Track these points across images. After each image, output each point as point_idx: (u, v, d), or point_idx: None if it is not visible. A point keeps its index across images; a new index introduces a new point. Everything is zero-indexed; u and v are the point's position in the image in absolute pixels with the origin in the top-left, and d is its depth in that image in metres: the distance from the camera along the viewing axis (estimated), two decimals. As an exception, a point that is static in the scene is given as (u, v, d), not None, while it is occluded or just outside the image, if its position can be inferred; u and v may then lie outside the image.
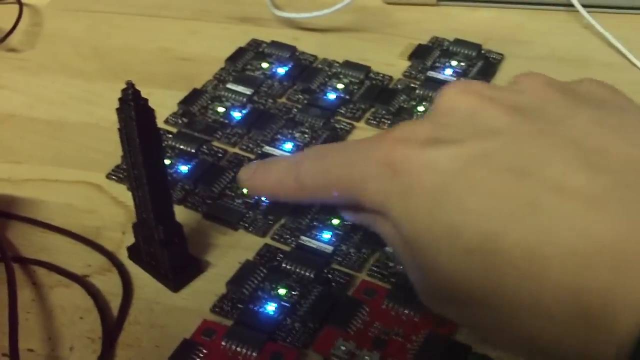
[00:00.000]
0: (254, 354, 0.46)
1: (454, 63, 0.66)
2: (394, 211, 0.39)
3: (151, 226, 0.48)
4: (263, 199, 0.54)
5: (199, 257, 0.51)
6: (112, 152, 0.55)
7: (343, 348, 0.46)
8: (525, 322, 0.35)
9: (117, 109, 0.45)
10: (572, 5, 0.70)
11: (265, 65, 0.66)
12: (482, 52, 0.67)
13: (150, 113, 0.45)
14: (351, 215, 0.47)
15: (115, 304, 0.49)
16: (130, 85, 0.44)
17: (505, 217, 0.34)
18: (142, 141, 0.45)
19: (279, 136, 0.59)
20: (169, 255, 0.49)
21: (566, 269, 0.33)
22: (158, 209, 0.48)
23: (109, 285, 0.51)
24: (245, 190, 0.55)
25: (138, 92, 0.44)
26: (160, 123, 0.59)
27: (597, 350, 0.33)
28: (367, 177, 0.41)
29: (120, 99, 0.44)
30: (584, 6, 0.70)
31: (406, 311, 0.48)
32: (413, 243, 0.38)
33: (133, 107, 0.44)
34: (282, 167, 0.48)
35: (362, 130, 0.61)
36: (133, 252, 0.52)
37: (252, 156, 0.58)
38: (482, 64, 0.66)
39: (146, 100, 0.44)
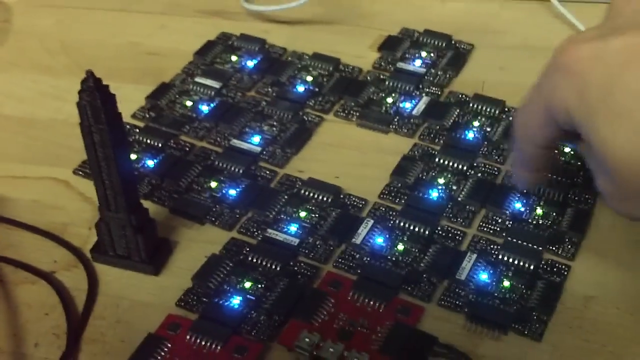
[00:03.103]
0: (219, 348, 0.46)
1: (423, 54, 0.66)
2: (576, 112, 0.40)
3: (123, 215, 0.48)
4: (229, 192, 0.54)
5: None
6: (80, 148, 0.54)
7: (307, 340, 0.46)
8: None
9: (78, 101, 0.44)
10: (542, -5, 0.70)
11: (234, 58, 0.66)
12: (452, 42, 0.67)
13: (112, 98, 0.45)
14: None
15: (80, 300, 0.49)
16: (89, 74, 0.44)
17: None
18: (110, 127, 0.45)
19: (246, 129, 0.59)
20: (144, 239, 0.49)
21: None
22: (129, 196, 0.48)
23: (75, 281, 0.50)
24: (213, 184, 0.55)
25: (99, 79, 0.44)
26: (127, 117, 0.59)
27: None
28: (553, 91, 0.41)
29: (81, 90, 0.44)
30: (555, -5, 0.70)
31: (371, 302, 0.48)
32: (593, 138, 0.39)
33: (97, 95, 0.44)
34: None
35: (331, 123, 0.60)
36: (98, 251, 0.51)
37: (219, 149, 0.58)
38: (452, 54, 0.66)
39: (107, 86, 0.44)
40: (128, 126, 0.59)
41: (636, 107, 0.37)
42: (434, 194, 0.54)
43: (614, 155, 0.38)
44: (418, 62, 0.65)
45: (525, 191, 0.54)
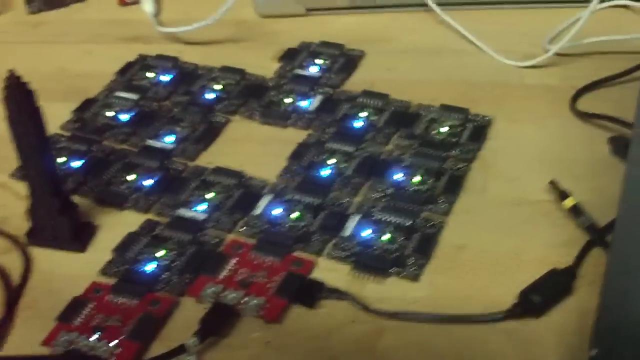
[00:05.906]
0: (135, 302, 0.53)
1: (319, 61, 0.74)
2: None
3: (48, 199, 0.55)
4: (145, 183, 0.62)
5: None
6: (14, 157, 0.62)
7: (211, 290, 0.53)
8: None
9: (3, 97, 0.52)
10: (427, 5, 0.79)
11: (151, 75, 0.74)
12: (345, 50, 0.76)
13: (31, 94, 0.52)
14: None
15: (17, 277, 0.56)
16: (11, 72, 0.51)
17: None
18: (30, 118, 0.52)
19: (161, 132, 0.67)
20: (68, 220, 0.57)
21: None
22: (51, 181, 0.55)
23: (12, 262, 0.58)
24: (130, 177, 0.62)
25: (19, 77, 0.51)
26: (56, 129, 0.67)
27: None
28: None
29: (4, 87, 0.51)
30: (438, 5, 0.78)
31: (269, 259, 0.55)
32: None
33: (18, 91, 0.51)
34: None
35: (237, 122, 0.69)
36: (32, 236, 0.58)
37: (135, 149, 0.66)
38: (344, 60, 0.74)
39: (26, 83, 0.52)
40: (57, 136, 0.67)
41: None
42: (325, 172, 0.62)
43: None
44: (314, 69, 0.73)
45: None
